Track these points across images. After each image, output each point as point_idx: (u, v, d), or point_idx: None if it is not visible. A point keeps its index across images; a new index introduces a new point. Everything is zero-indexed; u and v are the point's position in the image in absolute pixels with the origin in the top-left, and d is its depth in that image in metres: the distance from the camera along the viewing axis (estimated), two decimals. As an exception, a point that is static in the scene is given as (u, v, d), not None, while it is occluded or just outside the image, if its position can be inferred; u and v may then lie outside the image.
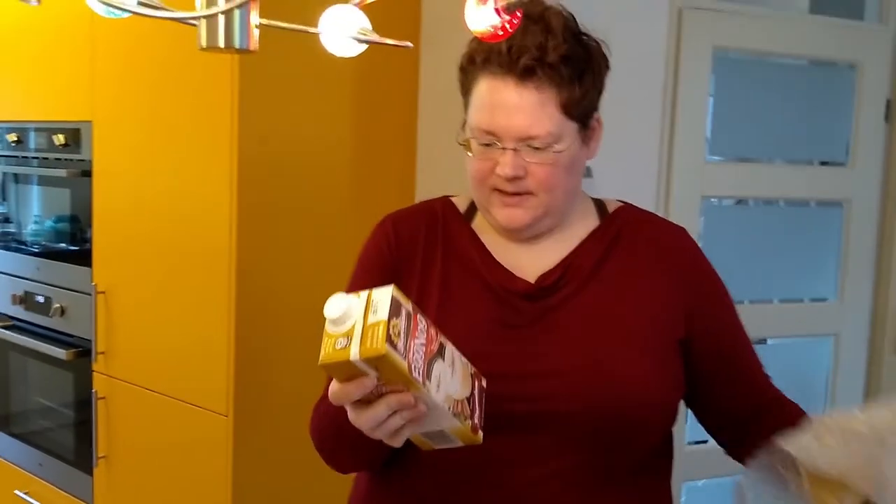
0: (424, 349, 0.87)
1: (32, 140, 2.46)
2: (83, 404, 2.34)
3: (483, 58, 1.05)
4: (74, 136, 2.29)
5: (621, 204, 1.20)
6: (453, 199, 1.21)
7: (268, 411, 1.90)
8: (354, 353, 0.82)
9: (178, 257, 2.05)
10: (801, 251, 2.52)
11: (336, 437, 1.05)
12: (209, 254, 1.95)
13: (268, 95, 1.92)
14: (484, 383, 0.97)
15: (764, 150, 2.49)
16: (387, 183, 2.16)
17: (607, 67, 1.10)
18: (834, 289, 2.51)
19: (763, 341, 2.55)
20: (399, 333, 0.83)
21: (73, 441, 2.41)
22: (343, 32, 0.68)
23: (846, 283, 2.50)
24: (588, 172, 2.22)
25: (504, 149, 1.04)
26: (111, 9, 0.69)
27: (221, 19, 0.67)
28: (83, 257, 2.30)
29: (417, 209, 1.23)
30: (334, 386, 0.87)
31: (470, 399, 0.93)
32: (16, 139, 2.49)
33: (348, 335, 0.83)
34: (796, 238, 2.51)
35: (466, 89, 1.10)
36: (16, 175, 2.56)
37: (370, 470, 1.14)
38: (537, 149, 1.04)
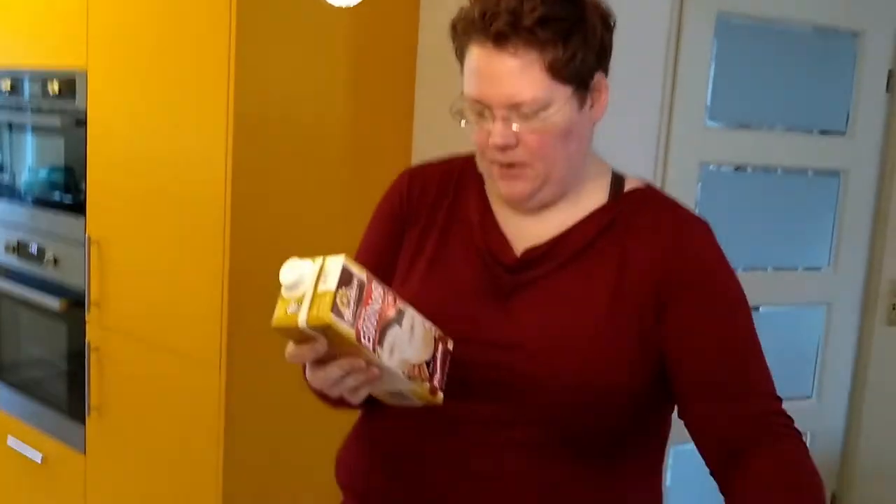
0: (378, 316, 0.91)
1: (27, 88, 2.43)
2: (76, 354, 2.34)
3: (462, 25, 1.03)
4: (69, 85, 2.27)
5: (642, 185, 1.14)
6: None
7: (259, 362, 1.90)
8: (302, 319, 0.87)
9: (171, 208, 2.04)
10: (797, 219, 2.51)
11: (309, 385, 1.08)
12: (202, 205, 1.94)
13: (265, 44, 1.90)
14: (451, 346, 1.01)
15: (764, 117, 2.47)
16: (383, 135, 2.15)
17: (607, 25, 1.04)
18: (828, 258, 2.52)
19: (756, 309, 2.56)
20: (347, 302, 0.88)
21: (65, 390, 2.42)
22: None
23: (840, 252, 2.50)
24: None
25: (494, 118, 1.02)
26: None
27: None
28: (77, 207, 2.29)
29: (437, 166, 1.22)
30: (289, 347, 0.92)
31: (430, 362, 0.97)
32: (10, 87, 2.46)
33: (298, 301, 0.88)
34: (793, 206, 2.51)
35: (460, 56, 1.06)
36: (10, 123, 2.53)
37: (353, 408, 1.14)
38: (526, 115, 1.00)
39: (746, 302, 1.08)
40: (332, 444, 1.25)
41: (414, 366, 0.95)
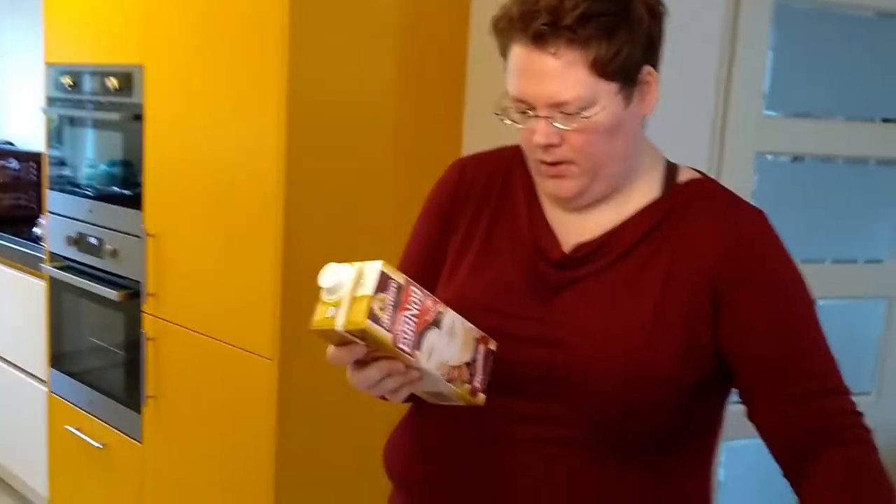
0: (416, 320, 0.92)
1: (87, 83, 2.48)
2: (133, 344, 2.39)
3: (503, 24, 1.01)
4: (127, 80, 2.31)
5: (698, 176, 1.11)
6: None
7: (312, 355, 1.91)
8: (339, 324, 0.89)
9: (225, 202, 2.06)
10: (858, 211, 2.45)
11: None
12: (256, 198, 1.96)
13: (318, 40, 1.91)
14: (493, 346, 1.01)
15: (824, 106, 2.41)
16: (434, 130, 2.14)
17: (655, 15, 1.00)
18: (889, 250, 2.45)
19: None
20: (385, 307, 0.89)
21: (122, 380, 2.47)
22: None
23: (903, 244, 2.43)
24: (642, 123, 2.19)
25: (537, 116, 1.00)
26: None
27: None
28: (135, 201, 2.33)
29: (488, 156, 1.21)
30: (330, 349, 0.94)
31: (471, 363, 0.98)
32: (71, 83, 2.52)
33: (336, 305, 0.90)
34: (853, 197, 2.44)
35: (504, 54, 1.04)
36: (71, 119, 2.59)
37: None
38: (569, 114, 0.98)
39: (808, 292, 1.05)
40: (382, 436, 1.25)
41: (454, 367, 0.96)
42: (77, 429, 2.63)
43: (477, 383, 0.99)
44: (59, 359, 2.75)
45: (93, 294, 2.49)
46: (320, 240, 1.95)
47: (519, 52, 0.99)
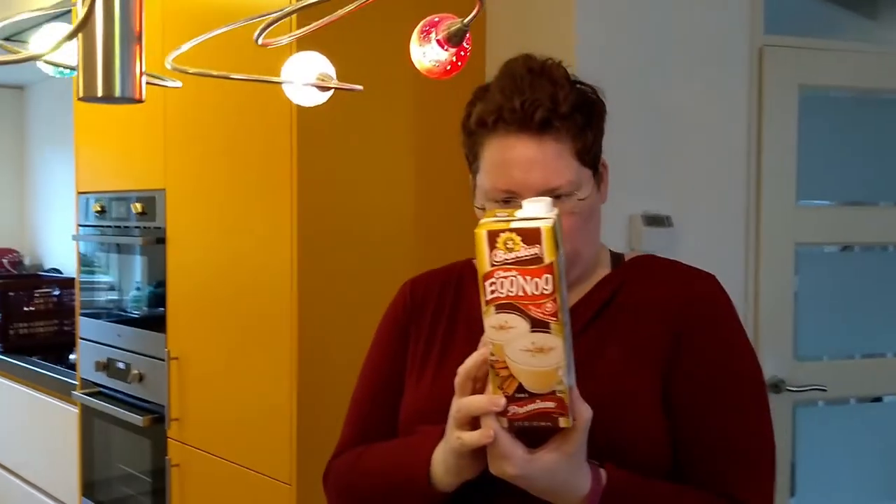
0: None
1: (114, 209, 2.52)
2: (160, 471, 2.33)
3: (494, 118, 1.03)
4: (150, 204, 2.33)
5: (644, 254, 1.16)
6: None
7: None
8: (534, 224, 0.83)
9: (242, 325, 2.03)
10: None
11: (384, 497, 1.05)
12: (272, 322, 1.93)
13: (325, 162, 1.91)
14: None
15: (862, 192, 2.31)
16: (449, 235, 2.09)
17: (605, 111, 1.09)
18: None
19: (878, 399, 2.34)
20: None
21: (150, 508, 2.40)
22: (299, 80, 0.62)
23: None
24: (667, 222, 2.11)
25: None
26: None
27: (100, 67, 0.59)
28: (160, 323, 2.31)
29: (436, 272, 1.23)
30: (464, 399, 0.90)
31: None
32: (99, 209, 2.56)
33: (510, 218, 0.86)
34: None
35: (474, 154, 1.07)
36: (100, 245, 2.63)
37: None
38: (560, 199, 1.01)
39: (757, 366, 1.06)
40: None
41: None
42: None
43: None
44: (91, 487, 2.70)
45: (120, 420, 2.45)
46: (335, 364, 1.89)
47: (508, 143, 1.01)
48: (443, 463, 0.95)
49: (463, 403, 0.89)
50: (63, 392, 2.86)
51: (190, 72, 0.61)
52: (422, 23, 0.59)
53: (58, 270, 3.99)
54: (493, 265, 0.84)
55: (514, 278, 0.84)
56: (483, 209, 1.05)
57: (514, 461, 0.87)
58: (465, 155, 1.10)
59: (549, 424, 0.87)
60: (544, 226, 0.83)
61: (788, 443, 2.25)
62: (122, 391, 2.49)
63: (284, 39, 0.61)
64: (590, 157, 1.04)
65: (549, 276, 0.83)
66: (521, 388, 0.86)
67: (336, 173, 1.93)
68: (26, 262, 4.26)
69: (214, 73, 0.64)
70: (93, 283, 2.69)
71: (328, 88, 0.63)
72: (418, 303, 1.18)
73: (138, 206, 2.37)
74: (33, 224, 4.39)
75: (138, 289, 2.46)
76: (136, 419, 2.35)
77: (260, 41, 0.58)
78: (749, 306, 2.21)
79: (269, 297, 1.93)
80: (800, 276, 2.21)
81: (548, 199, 0.88)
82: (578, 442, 0.88)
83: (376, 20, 1.86)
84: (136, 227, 2.40)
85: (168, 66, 0.62)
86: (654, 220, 2.07)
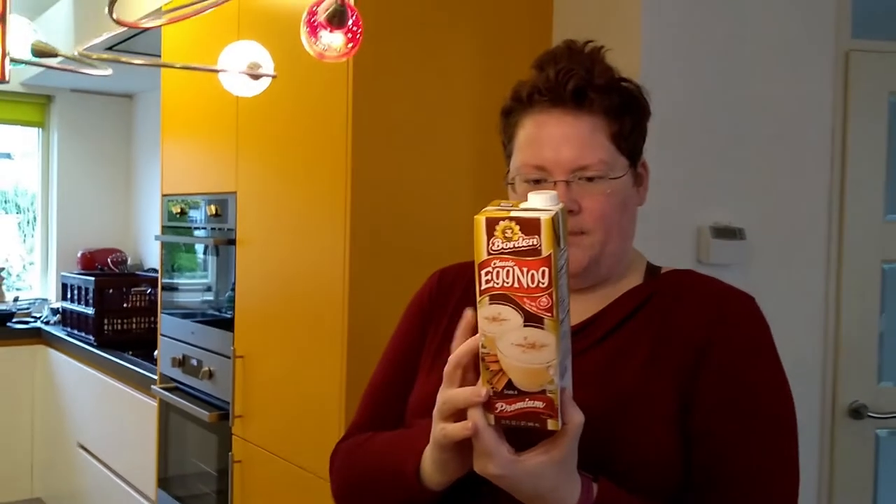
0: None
1: (192, 211, 2.60)
2: (225, 468, 2.37)
3: (529, 91, 1.02)
4: (223, 207, 2.39)
5: (682, 269, 1.10)
6: None
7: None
8: (535, 214, 0.81)
9: (300, 327, 2.05)
10: None
11: (374, 487, 1.03)
12: (325, 327, 1.94)
13: (379, 165, 1.91)
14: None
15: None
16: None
17: (649, 113, 1.06)
18: None
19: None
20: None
21: (215, 502, 2.45)
22: (234, 68, 0.61)
23: None
24: (739, 234, 2.01)
25: (555, 182, 0.99)
26: None
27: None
28: (229, 322, 2.37)
29: (469, 264, 1.18)
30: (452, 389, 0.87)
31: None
32: (178, 211, 2.65)
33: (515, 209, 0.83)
34: None
35: (510, 136, 1.06)
36: (178, 244, 2.71)
37: None
38: (590, 179, 0.99)
39: (789, 394, 0.98)
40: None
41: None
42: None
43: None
44: (166, 480, 2.79)
45: (191, 415, 2.52)
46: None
47: (542, 119, 1.01)
48: (430, 458, 0.92)
49: (448, 395, 0.86)
50: (145, 386, 2.97)
51: (104, 58, 0.61)
52: (304, 13, 0.56)
53: (156, 270, 4.16)
54: (489, 254, 0.82)
55: (510, 268, 0.81)
56: (513, 185, 1.04)
57: (497, 460, 0.83)
58: (501, 142, 1.08)
59: (537, 425, 0.83)
60: (544, 217, 0.80)
61: (871, 470, 2.11)
62: (195, 387, 2.56)
63: (149, 22, 0.60)
64: (626, 144, 1.01)
65: (545, 269, 0.80)
66: (510, 385, 0.82)
67: (390, 182, 1.93)
68: (129, 261, 4.46)
69: (137, 61, 0.64)
70: (171, 282, 2.78)
71: (258, 77, 0.61)
72: (444, 292, 1.15)
73: (212, 208, 2.44)
74: (137, 225, 4.60)
75: (210, 288, 2.53)
76: (204, 414, 2.41)
77: (114, 16, 0.57)
78: (829, 327, 2.08)
79: (324, 301, 1.95)
80: (886, 296, 2.07)
81: (553, 193, 0.84)
82: (568, 448, 0.83)
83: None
84: (211, 229, 2.47)
85: (75, 53, 0.62)
86: (725, 233, 1.97)
